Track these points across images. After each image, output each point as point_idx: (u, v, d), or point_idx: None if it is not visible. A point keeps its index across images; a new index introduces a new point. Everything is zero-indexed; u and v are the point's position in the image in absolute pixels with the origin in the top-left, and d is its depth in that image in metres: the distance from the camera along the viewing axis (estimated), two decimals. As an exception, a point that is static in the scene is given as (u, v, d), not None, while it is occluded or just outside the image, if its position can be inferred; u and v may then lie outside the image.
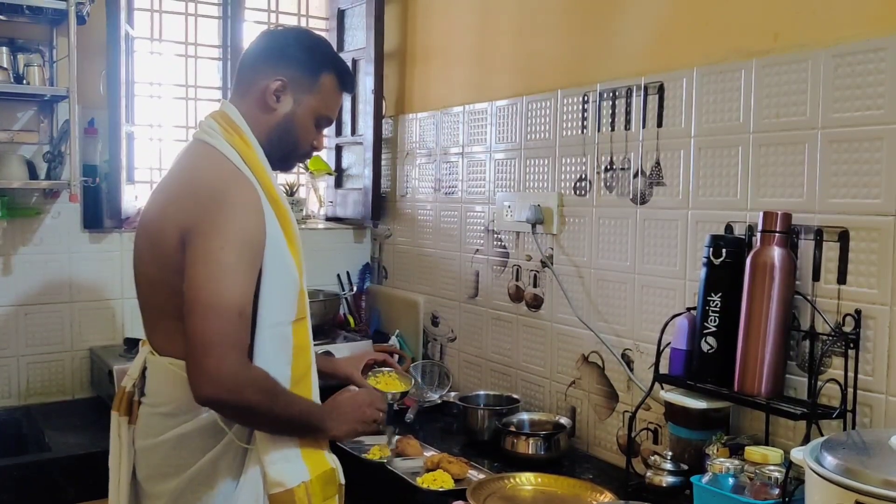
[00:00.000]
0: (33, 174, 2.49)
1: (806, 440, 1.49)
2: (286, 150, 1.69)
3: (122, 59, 2.56)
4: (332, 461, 1.60)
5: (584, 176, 2.20)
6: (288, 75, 1.63)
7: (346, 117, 3.17)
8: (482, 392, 2.41)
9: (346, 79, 1.73)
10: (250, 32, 3.00)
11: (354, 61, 3.04)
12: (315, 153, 1.79)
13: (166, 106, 2.90)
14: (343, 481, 1.62)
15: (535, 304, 2.38)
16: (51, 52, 2.54)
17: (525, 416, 2.21)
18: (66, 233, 2.61)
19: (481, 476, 1.93)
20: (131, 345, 2.53)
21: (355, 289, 3.14)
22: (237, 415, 1.52)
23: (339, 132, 3.21)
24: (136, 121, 2.77)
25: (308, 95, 1.66)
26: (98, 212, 2.64)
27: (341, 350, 2.62)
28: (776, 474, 1.50)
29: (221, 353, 1.42)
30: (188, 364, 1.45)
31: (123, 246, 2.69)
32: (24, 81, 2.41)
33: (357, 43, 3.07)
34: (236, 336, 1.45)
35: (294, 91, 1.64)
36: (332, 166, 3.20)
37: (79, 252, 2.64)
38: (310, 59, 1.66)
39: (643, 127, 2.02)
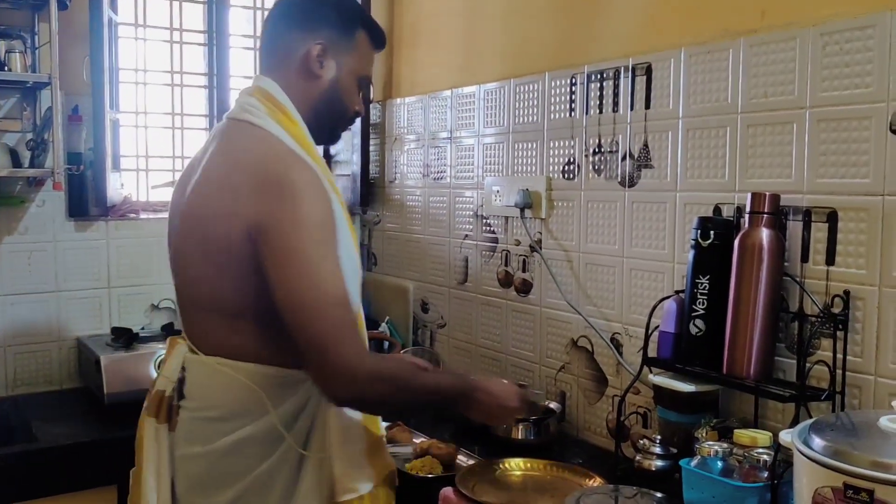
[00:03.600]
0: (17, 162, 2.45)
1: (795, 422, 1.49)
2: (335, 118, 1.61)
3: (106, 45, 2.53)
4: (390, 461, 1.57)
5: (572, 159, 2.18)
6: (325, 37, 1.54)
7: (334, 103, 3.14)
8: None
9: (378, 34, 1.65)
10: (236, 17, 2.97)
11: (342, 46, 3.01)
12: (356, 119, 1.70)
13: (152, 92, 2.87)
14: (396, 482, 1.59)
15: (525, 289, 2.37)
16: (33, 39, 2.50)
17: (515, 402, 2.20)
18: (51, 221, 2.59)
19: (470, 462, 1.92)
20: (119, 334, 2.51)
21: (345, 276, 3.12)
22: (375, 407, 1.47)
23: (327, 118, 3.19)
24: (122, 107, 2.74)
25: (348, 56, 1.57)
26: (83, 200, 2.61)
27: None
28: (765, 457, 1.50)
29: (341, 350, 1.34)
30: (311, 368, 1.37)
31: (109, 234, 2.66)
32: (6, 68, 2.37)
33: (344, 27, 3.03)
34: (352, 327, 1.37)
35: (334, 54, 1.55)
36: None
37: (64, 241, 2.61)
38: (343, 17, 1.58)
39: (631, 109, 2.00)
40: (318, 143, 1.57)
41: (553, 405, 2.15)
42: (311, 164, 1.44)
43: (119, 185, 2.70)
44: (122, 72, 2.73)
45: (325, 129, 1.60)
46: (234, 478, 1.46)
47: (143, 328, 2.61)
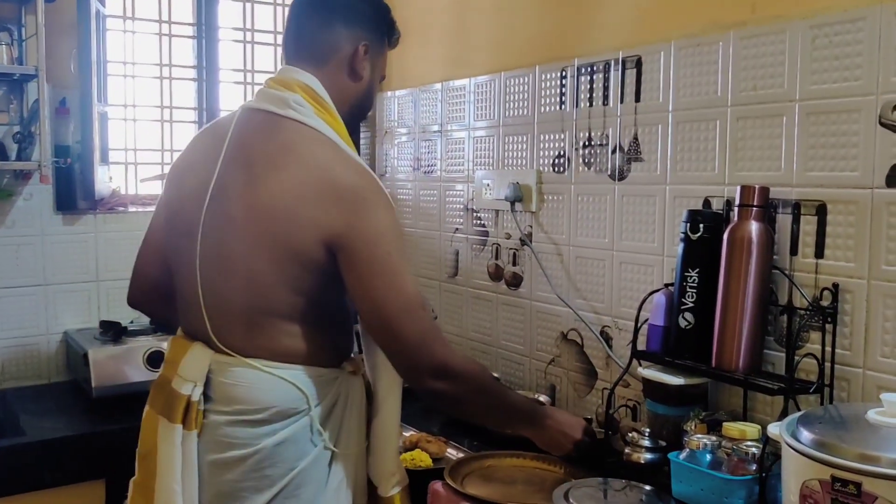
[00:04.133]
0: (3, 155, 2.44)
1: (783, 415, 1.49)
2: (362, 117, 1.65)
3: (94, 38, 2.51)
4: None
5: (562, 153, 2.18)
6: (367, 38, 1.55)
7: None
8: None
9: (398, 36, 1.67)
10: (226, 9, 2.96)
11: (332, 39, 2.99)
12: None
13: (141, 85, 2.85)
14: None
15: (515, 282, 2.36)
16: (19, 31, 2.48)
17: (505, 395, 2.19)
18: (38, 215, 2.57)
19: (460, 455, 1.91)
20: (107, 328, 2.50)
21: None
22: (455, 405, 1.57)
23: (317, 111, 3.17)
24: (110, 100, 2.72)
25: (379, 57, 1.60)
26: (71, 193, 2.59)
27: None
28: (753, 450, 1.50)
29: (432, 348, 1.43)
30: (406, 367, 1.45)
31: (98, 228, 2.65)
32: (-8, 60, 2.36)
33: (334, 20, 3.02)
34: (435, 327, 1.49)
35: (371, 54, 1.57)
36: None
37: (52, 234, 2.59)
38: (380, 19, 1.60)
39: (621, 102, 2.00)
40: None
41: (543, 398, 2.15)
42: (369, 168, 1.48)
43: (107, 179, 2.68)
44: (110, 64, 2.71)
45: (352, 126, 1.60)
46: (270, 481, 1.44)
47: (131, 322, 2.60)
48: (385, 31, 1.62)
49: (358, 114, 1.62)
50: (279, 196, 1.40)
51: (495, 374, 2.33)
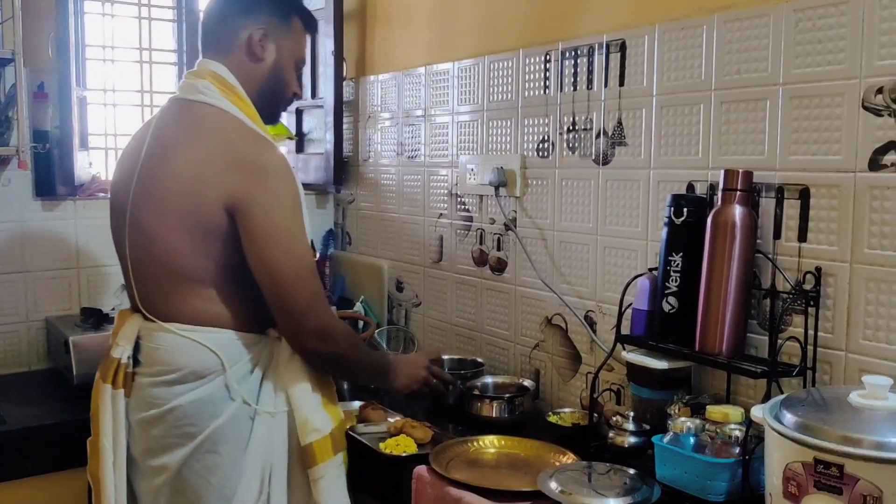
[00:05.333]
0: (-19, 141, 2.41)
1: (766, 398, 1.49)
2: (276, 100, 1.75)
3: (72, 21, 2.48)
4: (341, 412, 1.71)
5: (546, 137, 2.17)
6: (265, 22, 1.68)
7: (307, 80, 3.09)
8: (447, 356, 2.38)
9: (310, 19, 1.79)
10: (206, -7, 2.92)
11: (314, 22, 2.96)
12: (294, 101, 1.85)
13: (121, 69, 2.82)
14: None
15: (499, 267, 2.36)
16: (-5, 14, 2.44)
17: (489, 380, 2.19)
18: (17, 200, 2.54)
19: (444, 440, 1.91)
20: (88, 314, 2.48)
21: (318, 255, 3.10)
22: (332, 364, 1.66)
23: (299, 96, 3.14)
24: (89, 85, 2.69)
25: (286, 40, 1.71)
26: (50, 179, 2.57)
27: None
28: (737, 433, 1.51)
29: (318, 312, 1.57)
30: (291, 329, 1.58)
31: (77, 214, 2.62)
32: (-32, 44, 2.32)
33: (316, 3, 2.98)
34: (322, 292, 1.60)
35: (274, 38, 1.69)
36: (293, 131, 3.14)
37: (31, 220, 2.57)
38: (280, 4, 1.71)
39: (605, 86, 1.99)
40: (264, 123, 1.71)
41: (527, 383, 2.15)
42: (276, 144, 1.59)
43: (87, 164, 2.65)
44: (89, 48, 2.68)
45: (268, 109, 1.73)
46: (188, 436, 1.58)
47: (112, 308, 2.57)
48: (289, 14, 1.73)
49: (269, 95, 1.72)
50: (186, 166, 1.56)
51: (479, 359, 2.33)
